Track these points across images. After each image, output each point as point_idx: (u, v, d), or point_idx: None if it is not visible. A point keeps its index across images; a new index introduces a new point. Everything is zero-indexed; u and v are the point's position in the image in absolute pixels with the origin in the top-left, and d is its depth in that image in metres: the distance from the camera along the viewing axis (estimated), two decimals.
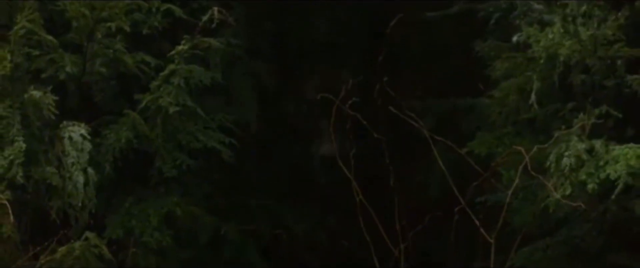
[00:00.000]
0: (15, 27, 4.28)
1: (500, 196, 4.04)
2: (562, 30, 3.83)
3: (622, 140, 3.74)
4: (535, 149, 3.84)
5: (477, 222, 4.05)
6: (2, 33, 4.40)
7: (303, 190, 5.29)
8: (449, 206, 4.20)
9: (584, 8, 3.81)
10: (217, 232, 4.54)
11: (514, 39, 4.01)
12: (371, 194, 4.17)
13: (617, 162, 3.59)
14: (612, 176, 3.58)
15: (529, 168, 3.84)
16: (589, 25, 3.82)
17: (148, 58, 4.47)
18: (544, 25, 3.97)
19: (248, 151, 4.69)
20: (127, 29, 4.44)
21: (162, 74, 4.43)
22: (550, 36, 3.84)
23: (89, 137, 4.34)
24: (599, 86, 3.83)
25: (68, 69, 4.37)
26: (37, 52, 4.35)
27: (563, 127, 3.82)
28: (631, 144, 3.61)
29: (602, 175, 3.61)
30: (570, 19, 3.84)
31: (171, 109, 4.39)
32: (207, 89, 4.49)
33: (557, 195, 3.69)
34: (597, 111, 3.81)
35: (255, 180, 5.05)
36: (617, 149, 3.64)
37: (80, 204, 4.28)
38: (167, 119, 4.45)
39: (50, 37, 4.35)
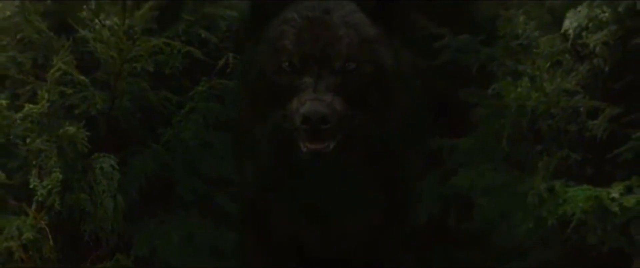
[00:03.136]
0: (52, 70, 4.43)
1: (481, 224, 4.35)
2: (529, 84, 4.15)
3: (582, 179, 4.00)
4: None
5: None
6: (39, 72, 4.56)
7: None
8: (435, 232, 4.56)
9: (548, 65, 4.11)
10: (235, 250, 4.71)
11: (490, 90, 4.32)
12: None
13: (572, 202, 3.88)
14: (568, 213, 3.87)
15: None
16: (553, 79, 4.11)
17: (170, 95, 4.67)
18: (517, 75, 4.24)
19: None
20: (151, 69, 4.64)
21: (183, 110, 4.67)
22: (520, 89, 4.15)
23: (117, 167, 4.51)
24: (563, 131, 4.11)
25: (98, 105, 4.52)
26: (70, 91, 4.46)
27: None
28: (584, 186, 3.88)
29: (560, 212, 3.91)
30: (537, 73, 4.13)
31: (191, 143, 4.67)
32: (222, 124, 4.72)
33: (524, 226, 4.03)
34: (559, 154, 4.08)
35: None
36: (572, 191, 3.91)
37: (110, 227, 4.47)
38: (187, 151, 4.71)
39: (82, 77, 4.50)
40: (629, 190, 3.81)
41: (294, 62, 3.95)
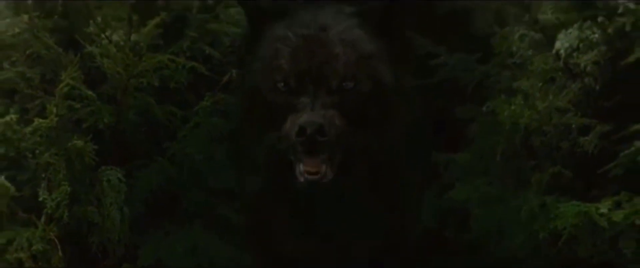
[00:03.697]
0: (61, 85, 4.48)
1: (477, 234, 4.45)
2: (522, 102, 4.23)
3: (573, 194, 4.06)
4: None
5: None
6: (48, 87, 4.62)
7: None
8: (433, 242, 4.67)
9: (540, 84, 4.20)
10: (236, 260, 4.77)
11: (484, 108, 4.40)
12: None
13: (562, 217, 3.95)
14: (559, 227, 3.94)
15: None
16: (545, 97, 4.19)
17: (175, 110, 4.73)
18: (511, 92, 4.34)
19: None
20: (156, 84, 4.71)
21: (188, 125, 4.75)
22: (513, 107, 4.23)
23: (124, 180, 4.57)
24: (555, 148, 4.19)
25: (106, 119, 4.58)
26: (78, 105, 4.50)
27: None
28: (574, 202, 3.98)
29: (552, 226, 3.98)
30: (530, 91, 4.22)
31: (196, 156, 4.75)
32: (226, 137, 4.79)
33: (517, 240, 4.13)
34: (551, 169, 4.13)
35: None
36: (563, 206, 3.98)
37: (117, 238, 4.52)
38: (192, 164, 4.79)
39: (90, 92, 4.56)
40: (617, 205, 3.90)
41: (289, 82, 3.87)
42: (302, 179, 3.81)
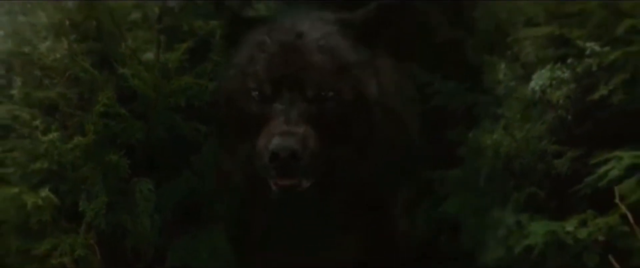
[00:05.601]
0: (98, 106, 4.73)
1: (467, 244, 4.78)
2: (503, 132, 4.49)
3: (547, 211, 4.32)
4: None
5: None
6: (85, 105, 4.82)
7: None
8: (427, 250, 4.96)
9: (518, 116, 4.48)
10: None
11: (470, 135, 4.74)
12: None
13: (534, 234, 4.19)
14: (532, 244, 4.16)
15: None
16: (523, 127, 4.46)
17: (200, 126, 4.90)
18: (496, 118, 4.63)
19: None
20: (183, 104, 4.89)
21: (211, 140, 4.94)
22: (495, 136, 4.51)
23: (154, 190, 4.79)
24: (532, 170, 4.44)
25: (137, 135, 4.81)
26: (113, 123, 4.74)
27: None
28: (544, 221, 4.22)
29: (525, 243, 4.21)
30: (510, 122, 4.55)
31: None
32: None
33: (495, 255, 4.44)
34: (528, 190, 4.39)
35: None
36: (534, 224, 4.23)
37: (147, 242, 4.81)
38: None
39: (123, 111, 4.77)
40: (583, 223, 4.11)
41: (264, 90, 3.69)
42: (274, 188, 3.64)
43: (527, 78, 4.55)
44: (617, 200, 4.08)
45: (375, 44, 3.84)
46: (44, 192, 4.59)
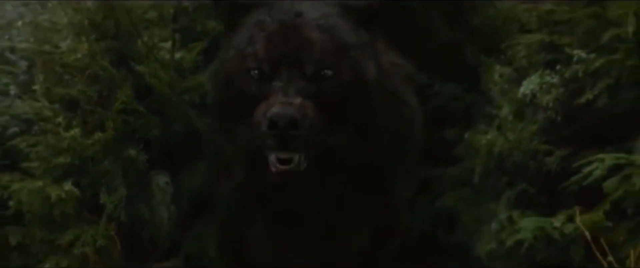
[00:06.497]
0: (116, 103, 4.87)
1: (463, 236, 5.03)
2: (496, 133, 4.68)
3: (537, 207, 4.50)
4: None
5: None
6: (104, 102, 4.94)
7: None
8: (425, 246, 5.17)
9: (511, 118, 4.67)
10: None
11: (466, 136, 4.98)
12: None
13: (524, 230, 4.36)
14: (522, 239, 4.35)
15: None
16: (515, 128, 4.65)
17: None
18: (491, 118, 4.79)
19: None
20: (197, 101, 5.05)
21: None
22: (489, 136, 4.70)
23: (170, 183, 4.94)
24: (524, 167, 4.62)
25: (154, 131, 4.97)
26: (131, 119, 4.88)
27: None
28: (534, 218, 4.42)
29: (516, 238, 4.40)
30: (503, 123, 4.77)
31: None
32: None
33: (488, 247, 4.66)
34: (519, 186, 4.56)
35: None
36: (525, 220, 4.40)
37: (164, 233, 4.95)
38: None
39: (140, 108, 4.91)
40: (569, 219, 4.29)
41: (263, 69, 3.59)
42: (274, 169, 3.54)
43: (520, 81, 4.76)
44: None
45: (375, 29, 3.78)
46: (67, 185, 4.68)
